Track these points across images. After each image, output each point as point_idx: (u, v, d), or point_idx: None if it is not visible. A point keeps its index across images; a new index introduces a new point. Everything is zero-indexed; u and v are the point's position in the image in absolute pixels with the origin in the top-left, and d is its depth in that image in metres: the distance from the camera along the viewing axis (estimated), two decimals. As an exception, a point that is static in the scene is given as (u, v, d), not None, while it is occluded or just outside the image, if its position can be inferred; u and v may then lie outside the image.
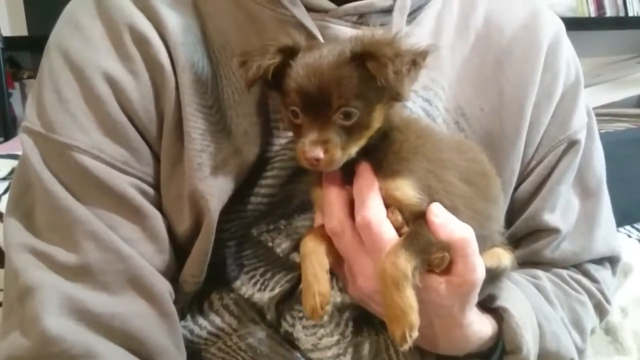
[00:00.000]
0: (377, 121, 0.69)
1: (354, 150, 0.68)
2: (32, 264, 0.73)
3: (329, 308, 0.71)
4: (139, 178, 0.78)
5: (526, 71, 0.87)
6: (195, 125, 0.78)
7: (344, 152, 0.67)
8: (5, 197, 1.19)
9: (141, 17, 0.79)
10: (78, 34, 0.79)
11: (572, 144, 0.91)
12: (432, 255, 0.69)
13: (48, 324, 0.69)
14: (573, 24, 2.39)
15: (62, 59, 0.78)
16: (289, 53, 0.68)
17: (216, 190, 0.78)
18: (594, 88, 2.29)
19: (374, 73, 0.64)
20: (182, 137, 0.79)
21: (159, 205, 0.81)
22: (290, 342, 0.83)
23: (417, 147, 0.72)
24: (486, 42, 0.88)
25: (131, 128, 0.77)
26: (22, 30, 2.18)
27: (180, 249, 0.82)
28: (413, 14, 0.84)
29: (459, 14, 0.89)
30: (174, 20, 0.79)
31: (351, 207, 0.71)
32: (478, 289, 0.72)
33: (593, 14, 2.41)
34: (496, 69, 0.87)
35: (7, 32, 2.08)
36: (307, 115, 0.67)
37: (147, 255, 0.77)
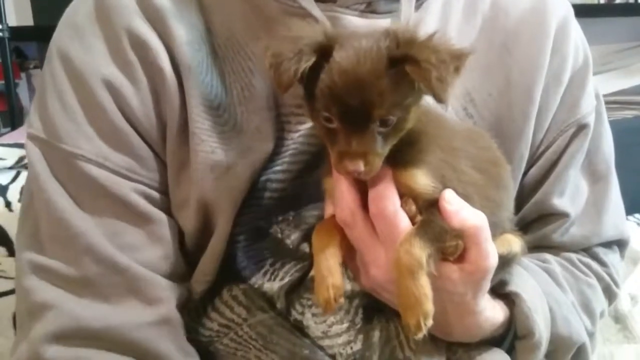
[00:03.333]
0: (411, 122, 0.68)
1: (387, 151, 0.67)
2: (36, 281, 0.76)
3: (342, 300, 0.71)
4: (144, 184, 0.79)
5: (534, 55, 0.87)
6: (204, 127, 0.78)
7: (381, 158, 0.66)
8: (13, 186, 1.20)
9: (141, 19, 0.78)
10: (78, 39, 0.79)
11: (581, 127, 0.90)
12: (446, 243, 0.68)
13: (45, 353, 0.73)
14: (582, 11, 2.36)
15: (63, 65, 0.79)
16: (323, 51, 0.64)
17: (230, 191, 0.78)
18: (603, 76, 2.28)
19: (415, 78, 0.62)
20: (187, 140, 0.79)
21: (167, 209, 0.81)
22: (300, 329, 0.83)
23: (432, 137, 0.72)
24: (493, 26, 0.87)
25: (134, 134, 0.78)
26: (28, 20, 2.18)
27: (188, 250, 0.83)
28: (420, 0, 0.84)
29: None
30: (177, 19, 0.79)
31: (362, 197, 0.71)
32: (491, 276, 0.72)
33: (602, 1, 2.39)
34: (503, 53, 0.87)
35: (12, 22, 2.08)
36: (343, 124, 0.64)
37: (152, 261, 0.78)
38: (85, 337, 0.74)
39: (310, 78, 0.65)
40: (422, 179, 0.69)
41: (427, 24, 0.83)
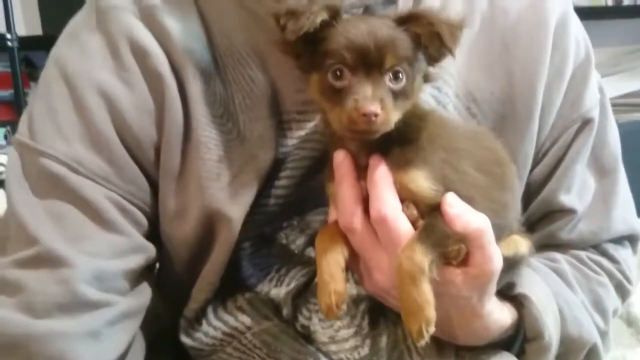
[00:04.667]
0: (416, 93, 0.69)
1: (396, 118, 0.66)
2: None
3: (344, 307, 0.70)
4: (119, 194, 0.77)
5: (534, 52, 0.86)
6: (210, 136, 0.78)
7: (393, 115, 0.65)
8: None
9: (142, 28, 0.79)
10: (76, 47, 0.80)
11: (586, 122, 0.89)
12: (448, 248, 0.68)
13: None
14: (590, 13, 2.37)
15: (58, 72, 0.79)
16: (333, 14, 0.66)
17: (236, 199, 0.78)
18: (611, 78, 2.27)
19: (424, 32, 0.66)
20: (187, 149, 0.79)
21: (142, 225, 0.80)
22: (305, 336, 0.83)
23: (434, 137, 0.71)
24: (492, 25, 0.87)
25: (117, 142, 0.77)
26: (37, 30, 2.20)
27: (185, 263, 0.83)
28: (418, 1, 0.83)
29: None
30: (179, 29, 0.79)
31: (365, 202, 0.70)
32: (496, 279, 0.71)
33: (610, 3, 2.39)
34: (503, 51, 0.86)
35: (22, 32, 2.10)
36: (356, 73, 0.65)
37: (107, 272, 0.75)
38: (7, 344, 0.70)
39: (315, 41, 0.66)
40: (423, 183, 0.69)
41: None
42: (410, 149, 0.70)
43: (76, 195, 0.75)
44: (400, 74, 0.65)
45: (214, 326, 0.85)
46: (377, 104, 0.63)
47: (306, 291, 0.83)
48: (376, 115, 0.63)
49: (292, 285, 0.83)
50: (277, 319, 0.83)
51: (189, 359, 0.88)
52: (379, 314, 0.81)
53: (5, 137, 1.84)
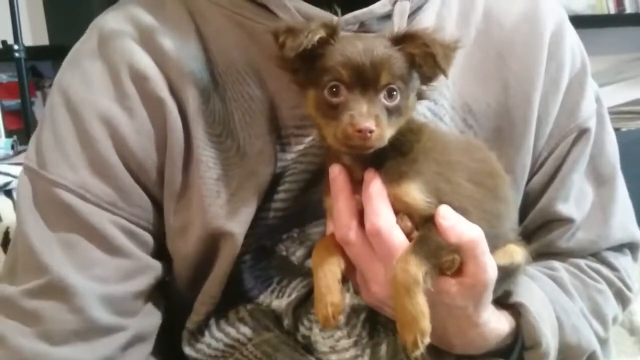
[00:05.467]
0: (410, 110, 0.70)
1: (390, 135, 0.68)
2: (2, 312, 0.76)
3: (341, 317, 0.72)
4: (126, 218, 0.80)
5: (530, 63, 0.87)
6: (210, 155, 0.80)
7: (387, 132, 0.67)
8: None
9: (142, 53, 0.80)
10: (79, 74, 0.82)
11: (583, 132, 0.90)
12: (443, 259, 0.68)
13: None
14: (592, 22, 2.36)
15: (62, 99, 0.81)
16: (331, 32, 0.68)
17: (237, 215, 0.79)
18: (615, 86, 2.26)
19: (418, 52, 0.67)
20: (187, 168, 0.80)
21: (149, 246, 0.82)
22: (306, 346, 0.83)
23: (427, 150, 0.72)
24: (487, 38, 0.88)
25: (122, 168, 0.79)
26: (44, 40, 2.21)
27: (188, 277, 0.84)
28: (412, 16, 0.84)
29: (459, 12, 0.89)
30: (177, 51, 0.81)
31: (360, 215, 0.71)
32: (491, 289, 0.72)
33: (613, 11, 2.38)
34: (499, 63, 0.87)
35: (29, 42, 2.12)
36: (352, 91, 0.66)
37: (117, 296, 0.78)
38: None
39: (312, 58, 0.68)
40: (416, 195, 0.69)
41: None
42: (404, 162, 0.71)
43: (85, 223, 0.78)
44: (394, 92, 0.67)
45: (216, 338, 0.86)
46: (372, 121, 0.64)
47: (307, 302, 0.84)
48: (371, 131, 0.64)
49: (293, 296, 0.84)
50: (277, 329, 0.84)
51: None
52: (378, 323, 0.82)
53: (12, 147, 1.85)
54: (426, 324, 0.65)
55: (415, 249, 0.67)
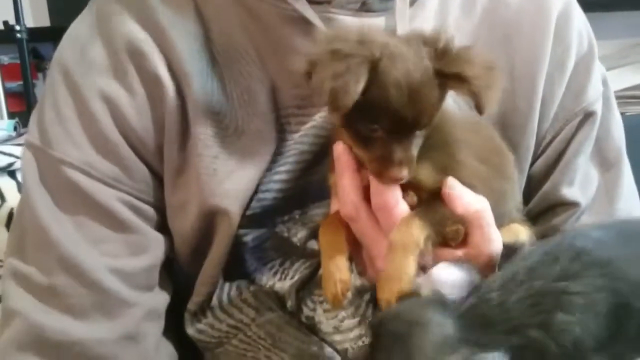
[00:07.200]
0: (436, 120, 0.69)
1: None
2: (13, 287, 0.77)
3: (349, 295, 0.72)
4: (130, 194, 0.80)
5: (536, 44, 0.86)
6: (207, 132, 0.79)
7: (415, 160, 0.67)
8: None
9: (140, 31, 0.80)
10: (78, 52, 0.81)
11: (588, 115, 0.89)
12: (447, 228, 0.68)
13: None
14: (598, 5, 2.34)
15: (62, 76, 0.81)
16: (374, 66, 0.63)
17: (234, 194, 0.79)
18: (620, 70, 2.25)
19: (466, 95, 0.65)
20: (185, 146, 0.80)
21: (153, 220, 0.83)
22: (309, 327, 0.84)
23: (433, 129, 0.71)
24: (493, 18, 0.87)
25: (124, 145, 0.79)
26: (45, 21, 2.20)
27: (186, 254, 0.84)
28: None
29: None
30: (177, 30, 0.80)
31: (365, 191, 0.71)
32: (496, 263, 0.72)
33: (618, -6, 2.36)
34: (506, 45, 0.86)
35: (29, 23, 2.10)
36: (390, 133, 0.65)
37: (129, 271, 0.79)
38: (47, 348, 0.75)
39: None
40: (423, 170, 0.69)
41: (424, 21, 0.83)
42: None
43: (91, 200, 0.78)
44: (428, 125, 0.66)
45: (220, 319, 0.86)
46: (404, 171, 0.65)
47: (310, 283, 0.84)
48: (402, 179, 0.65)
49: (296, 278, 0.84)
50: (281, 310, 0.84)
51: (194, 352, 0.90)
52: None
53: (15, 129, 1.85)
54: (407, 287, 0.65)
55: (419, 214, 0.67)
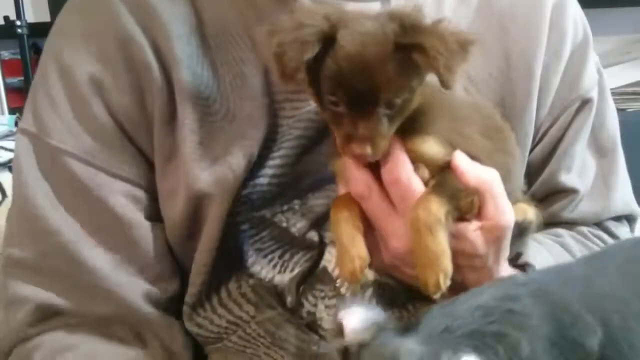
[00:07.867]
0: (415, 102, 0.69)
1: (392, 131, 0.67)
2: (13, 276, 0.79)
3: (367, 272, 0.71)
4: (128, 180, 0.81)
5: (531, 32, 0.87)
6: (194, 117, 0.79)
7: (387, 140, 0.66)
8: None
9: (128, 17, 0.79)
10: (68, 37, 0.81)
11: (585, 102, 0.90)
12: (461, 201, 0.69)
13: (29, 332, 0.79)
14: (599, 1, 2.34)
15: (53, 62, 0.81)
16: (328, 37, 0.64)
17: (222, 179, 0.79)
18: (622, 66, 2.25)
19: (422, 66, 0.63)
20: (174, 132, 0.80)
21: (150, 208, 0.83)
22: (310, 324, 0.83)
23: (437, 107, 0.72)
24: (489, 6, 0.87)
25: (117, 131, 0.79)
26: (45, 17, 2.20)
27: (178, 242, 0.84)
28: None
29: None
30: (167, 13, 0.80)
31: (372, 169, 0.71)
32: (510, 234, 0.72)
33: (621, -10, 2.36)
34: (501, 33, 0.87)
35: (30, 19, 2.10)
36: (349, 107, 0.65)
37: (125, 261, 0.80)
38: (59, 320, 0.79)
39: (314, 63, 0.64)
40: (432, 145, 0.70)
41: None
42: (416, 118, 0.70)
43: (88, 188, 0.78)
44: (395, 103, 0.65)
45: (219, 314, 0.86)
46: (366, 147, 0.64)
47: (311, 277, 0.83)
48: (366, 155, 0.65)
49: (296, 271, 0.84)
50: (280, 307, 0.84)
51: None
52: (385, 298, 0.82)
53: (16, 124, 1.85)
54: (448, 263, 0.65)
55: (436, 190, 0.67)
